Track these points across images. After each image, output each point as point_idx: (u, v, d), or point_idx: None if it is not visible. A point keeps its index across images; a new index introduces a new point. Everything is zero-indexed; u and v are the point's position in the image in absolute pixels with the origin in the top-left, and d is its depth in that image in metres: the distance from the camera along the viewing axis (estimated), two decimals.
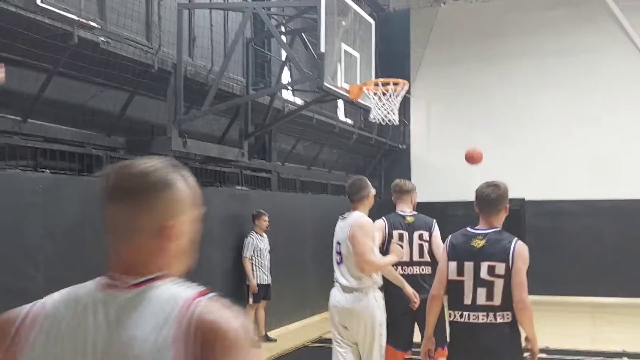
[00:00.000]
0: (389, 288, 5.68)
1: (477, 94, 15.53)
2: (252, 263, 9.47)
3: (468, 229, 4.32)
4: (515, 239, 4.25)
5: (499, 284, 4.03)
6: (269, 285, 9.70)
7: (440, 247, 5.56)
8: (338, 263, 5.16)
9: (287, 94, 11.75)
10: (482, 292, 4.02)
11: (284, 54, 10.41)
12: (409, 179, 15.86)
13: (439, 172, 15.56)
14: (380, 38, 14.96)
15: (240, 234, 9.68)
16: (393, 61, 15.21)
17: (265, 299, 9.69)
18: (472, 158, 6.86)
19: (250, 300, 9.53)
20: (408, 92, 15.07)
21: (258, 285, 9.50)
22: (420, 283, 5.68)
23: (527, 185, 14.78)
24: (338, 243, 5.20)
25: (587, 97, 14.76)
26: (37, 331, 1.46)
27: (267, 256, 9.65)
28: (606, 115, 14.55)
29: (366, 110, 9.72)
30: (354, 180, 5.44)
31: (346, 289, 5.05)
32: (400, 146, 16.13)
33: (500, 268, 4.04)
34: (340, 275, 5.11)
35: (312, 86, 10.45)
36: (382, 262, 5.13)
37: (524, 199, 14.93)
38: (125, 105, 7.94)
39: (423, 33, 15.39)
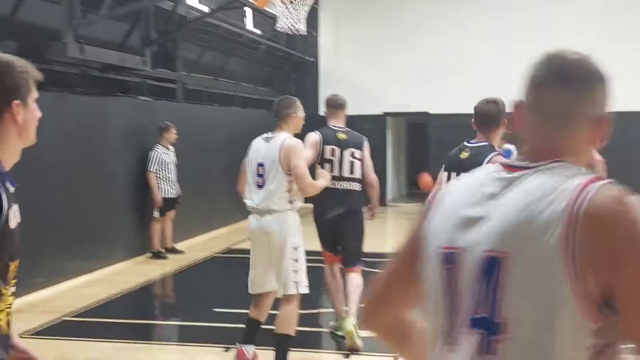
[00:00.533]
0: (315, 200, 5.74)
1: (387, 9, 15.46)
2: (157, 176, 9.32)
3: (465, 142, 4.45)
4: (495, 153, 4.30)
5: None
6: (175, 198, 9.62)
7: (369, 166, 5.91)
8: (260, 186, 4.87)
9: (192, 0, 11.32)
10: None
11: None
12: (317, 91, 15.96)
13: (348, 85, 15.55)
14: None
15: (144, 146, 9.45)
16: None
17: (171, 210, 9.64)
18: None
19: (156, 213, 9.45)
20: (316, 3, 14.86)
21: (164, 199, 9.41)
22: (344, 199, 5.75)
23: (431, 99, 15.08)
24: (261, 165, 4.88)
25: (493, 15, 14.95)
26: (433, 210, 1.53)
27: (174, 169, 9.51)
28: (509, 33, 14.83)
29: (274, 20, 9.53)
30: (284, 97, 5.26)
31: (263, 213, 4.85)
32: (308, 58, 16.00)
33: None
34: (260, 199, 4.85)
35: None
36: (319, 185, 5.07)
37: (427, 113, 15.25)
38: (16, 8, 7.44)
39: None
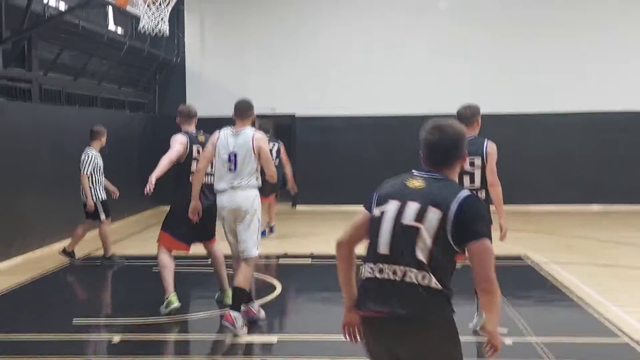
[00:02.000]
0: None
1: (250, 10, 15.54)
2: (90, 180, 9.05)
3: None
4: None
5: None
6: (107, 201, 9.36)
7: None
8: (231, 170, 6.21)
9: None
10: None
11: None
12: (184, 92, 15.76)
13: (214, 86, 15.52)
14: None
15: None
16: None
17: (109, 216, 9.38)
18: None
19: (103, 216, 9.23)
20: (181, 3, 14.69)
21: (102, 202, 9.19)
22: (205, 192, 6.65)
23: (297, 102, 15.32)
24: (233, 154, 6.20)
25: (354, 18, 15.40)
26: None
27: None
28: (369, 36, 15.34)
29: (137, 19, 9.32)
30: (244, 99, 6.45)
31: (238, 190, 6.22)
32: (174, 59, 15.76)
33: None
34: (233, 179, 6.21)
35: None
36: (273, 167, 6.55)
37: (294, 115, 15.47)
38: None
39: None
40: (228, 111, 14.68)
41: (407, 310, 2.95)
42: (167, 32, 8.91)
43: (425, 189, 3.07)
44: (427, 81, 15.14)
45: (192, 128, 6.95)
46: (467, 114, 5.89)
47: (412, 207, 3.03)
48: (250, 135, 6.25)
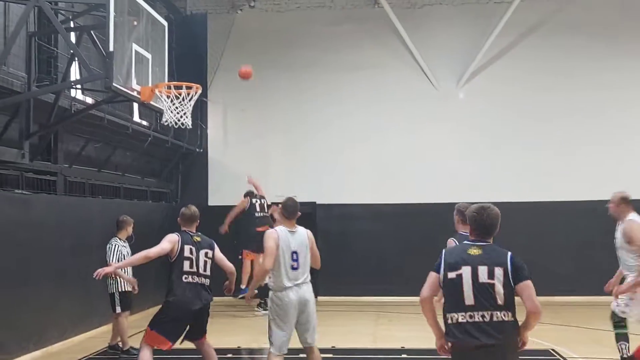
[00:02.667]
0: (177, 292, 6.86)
1: (271, 101, 15.89)
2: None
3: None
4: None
5: None
6: (127, 293, 9.30)
7: (223, 259, 7.22)
8: (294, 268, 6.67)
9: (75, 93, 11.17)
10: None
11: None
12: (207, 182, 15.94)
13: (235, 176, 15.69)
14: (177, 41, 14.82)
15: (21, 241, 9.04)
16: (190, 64, 15.11)
17: (129, 308, 9.36)
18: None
19: (119, 309, 9.12)
20: (205, 96, 15.09)
21: (123, 292, 9.13)
22: (200, 292, 6.87)
23: (317, 190, 15.40)
24: (295, 252, 6.68)
25: (372, 109, 15.68)
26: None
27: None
28: (387, 126, 15.57)
29: (160, 112, 9.54)
30: (292, 199, 6.85)
31: (302, 285, 6.70)
32: (197, 150, 16.02)
33: None
34: (299, 275, 6.69)
35: (102, 85, 10.04)
36: None
37: (315, 203, 15.51)
38: None
39: (221, 38, 15.42)
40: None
41: (496, 340, 4.46)
42: (190, 124, 9.06)
43: (483, 254, 4.60)
44: (447, 170, 15.22)
45: (191, 229, 7.13)
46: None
47: (483, 270, 4.53)
48: (304, 234, 6.84)
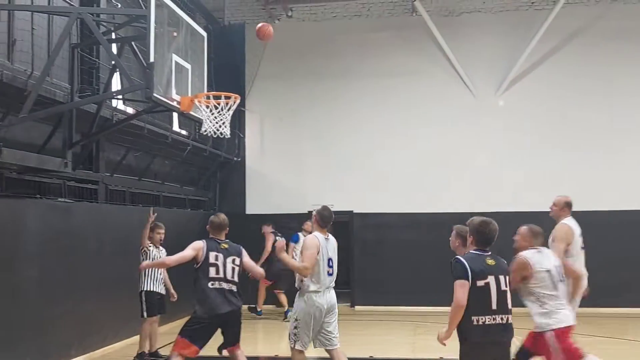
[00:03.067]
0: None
1: (307, 110, 15.96)
2: (144, 273, 9.24)
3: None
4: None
5: None
6: (163, 297, 9.48)
7: (253, 266, 7.43)
8: (330, 274, 7.08)
9: (117, 103, 11.36)
10: None
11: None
12: (244, 190, 16.05)
13: (272, 184, 15.79)
14: (216, 51, 14.95)
15: (63, 249, 9.21)
16: (228, 74, 15.28)
17: (160, 313, 9.48)
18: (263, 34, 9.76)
19: (145, 313, 9.26)
20: (242, 105, 15.20)
21: (151, 293, 9.27)
22: (228, 297, 6.98)
23: (353, 198, 15.38)
24: (330, 259, 7.10)
25: (409, 117, 15.62)
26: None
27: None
28: (425, 134, 15.48)
29: (199, 122, 9.64)
30: (327, 208, 7.17)
31: (331, 290, 7.13)
32: (235, 158, 16.15)
33: None
34: (332, 281, 7.12)
35: (143, 95, 10.19)
36: None
37: (352, 212, 15.48)
38: None
39: (258, 48, 15.55)
40: (286, 208, 14.97)
41: (509, 338, 5.42)
42: (229, 134, 9.13)
43: (497, 264, 5.43)
44: (485, 178, 15.07)
45: (220, 237, 7.28)
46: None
47: (502, 279, 5.38)
48: (335, 242, 7.27)
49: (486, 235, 5.46)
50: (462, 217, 15.04)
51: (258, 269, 7.50)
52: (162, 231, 9.64)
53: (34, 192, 9.18)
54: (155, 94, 8.20)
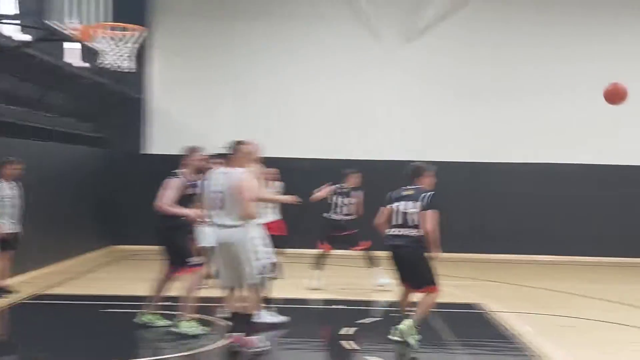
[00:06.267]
0: None
1: (218, 50, 15.49)
2: None
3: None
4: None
5: None
6: (16, 234, 9.06)
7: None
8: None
9: (8, 29, 10.53)
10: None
11: None
12: (147, 128, 15.44)
13: (178, 123, 15.31)
14: None
15: None
16: (135, 6, 14.42)
17: (12, 249, 9.07)
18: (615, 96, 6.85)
19: None
20: (148, 40, 14.51)
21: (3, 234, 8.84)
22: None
23: (266, 143, 15.11)
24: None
25: (316, 60, 15.46)
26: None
27: (15, 203, 9.02)
28: (337, 77, 15.38)
29: (98, 54, 9.11)
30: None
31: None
32: (137, 95, 15.46)
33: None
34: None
35: (36, 22, 9.50)
36: None
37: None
38: None
39: None
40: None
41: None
42: (133, 68, 8.67)
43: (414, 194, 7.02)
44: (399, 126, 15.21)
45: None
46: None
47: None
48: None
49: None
50: (370, 165, 15.05)
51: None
52: (15, 166, 9.10)
53: None
54: (49, 21, 7.63)
